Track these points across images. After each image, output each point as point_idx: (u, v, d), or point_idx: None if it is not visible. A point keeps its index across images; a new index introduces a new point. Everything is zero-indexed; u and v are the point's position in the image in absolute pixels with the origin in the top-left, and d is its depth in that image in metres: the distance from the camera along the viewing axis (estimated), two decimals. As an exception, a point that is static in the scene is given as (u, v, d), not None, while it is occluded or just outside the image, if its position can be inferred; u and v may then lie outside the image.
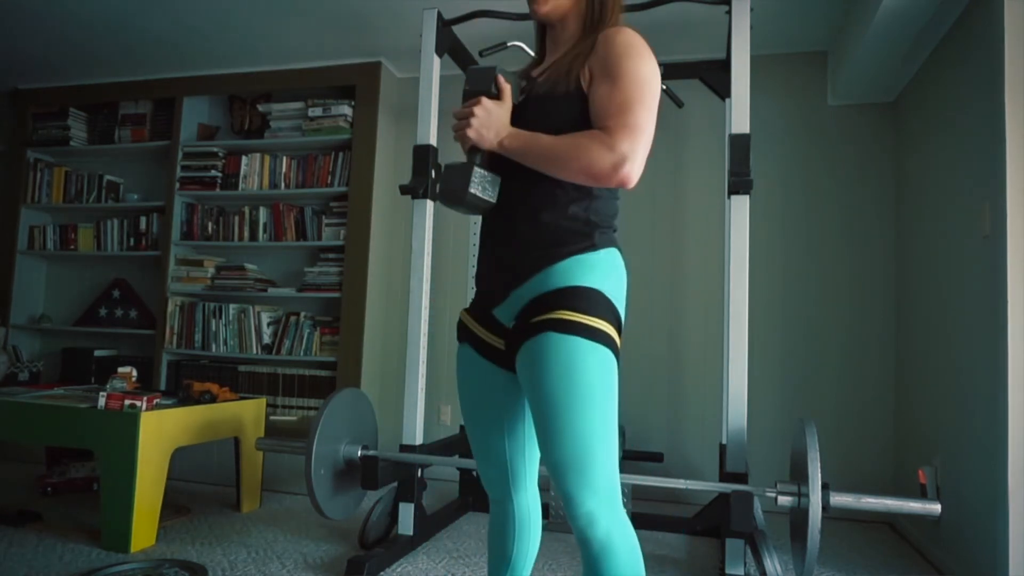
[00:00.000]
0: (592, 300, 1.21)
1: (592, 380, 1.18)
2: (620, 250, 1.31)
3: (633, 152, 1.15)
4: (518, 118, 1.28)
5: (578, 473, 1.17)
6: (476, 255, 3.18)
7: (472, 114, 1.23)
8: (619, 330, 1.26)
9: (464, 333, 1.38)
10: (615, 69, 1.19)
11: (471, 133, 1.23)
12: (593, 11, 1.31)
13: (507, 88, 1.26)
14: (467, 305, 3.13)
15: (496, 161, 1.28)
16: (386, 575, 2.23)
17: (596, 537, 1.17)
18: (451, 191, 1.23)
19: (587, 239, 1.25)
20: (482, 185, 1.24)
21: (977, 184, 2.22)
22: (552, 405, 1.17)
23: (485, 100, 1.24)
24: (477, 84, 1.26)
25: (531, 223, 1.25)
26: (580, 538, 1.19)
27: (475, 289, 1.38)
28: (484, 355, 1.34)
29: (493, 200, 1.26)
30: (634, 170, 1.17)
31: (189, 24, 3.30)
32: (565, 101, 1.25)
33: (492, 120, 1.23)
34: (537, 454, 1.40)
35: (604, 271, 1.25)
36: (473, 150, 1.25)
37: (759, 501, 2.56)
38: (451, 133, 3.52)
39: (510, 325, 1.28)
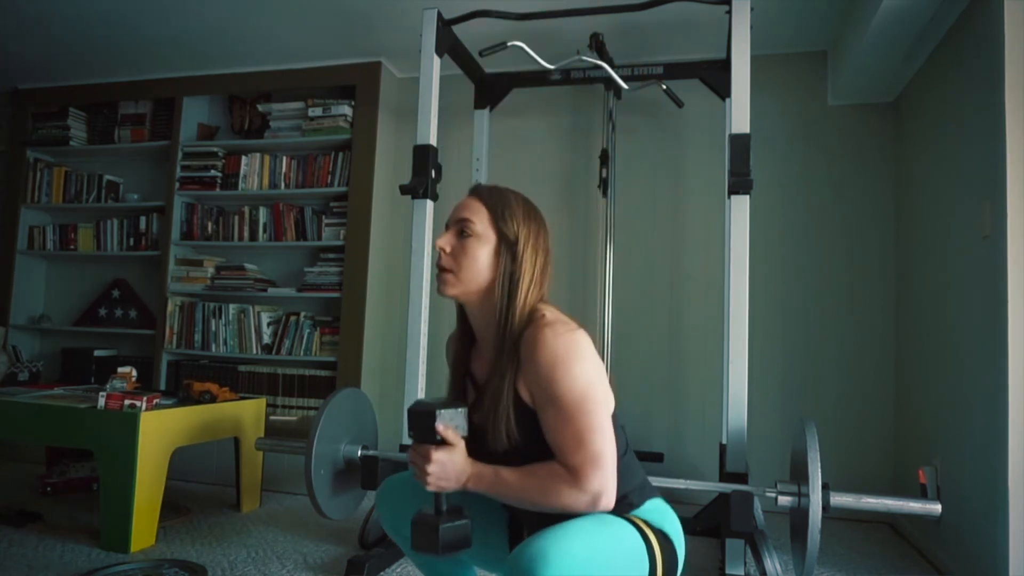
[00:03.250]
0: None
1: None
2: (663, 499, 1.32)
3: (604, 485, 1.15)
4: (478, 440, 1.26)
5: None
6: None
7: (425, 472, 1.20)
8: (668, 571, 1.23)
9: None
10: (552, 396, 1.17)
11: (431, 488, 1.21)
12: (503, 298, 1.26)
13: (451, 433, 1.21)
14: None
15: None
16: (386, 575, 2.23)
17: None
18: (424, 548, 1.21)
19: (627, 507, 1.26)
20: (452, 539, 1.20)
21: (977, 184, 2.22)
22: None
23: (434, 454, 1.20)
24: (421, 435, 1.22)
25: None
26: None
27: None
28: None
29: (469, 546, 1.22)
30: (610, 499, 1.17)
31: (189, 24, 3.30)
32: (518, 425, 1.23)
33: (447, 471, 1.20)
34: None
35: (659, 518, 1.27)
36: (437, 497, 1.23)
37: (759, 501, 2.56)
38: (452, 133, 3.54)
39: None
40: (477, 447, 1.26)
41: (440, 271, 1.30)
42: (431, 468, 1.19)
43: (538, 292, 1.29)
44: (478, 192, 1.34)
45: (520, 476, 1.19)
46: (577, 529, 1.13)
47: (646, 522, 1.25)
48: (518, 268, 1.26)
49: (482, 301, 1.30)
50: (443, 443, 1.21)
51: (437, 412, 1.21)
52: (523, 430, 1.23)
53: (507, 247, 1.27)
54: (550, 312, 1.26)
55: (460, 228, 1.30)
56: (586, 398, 1.16)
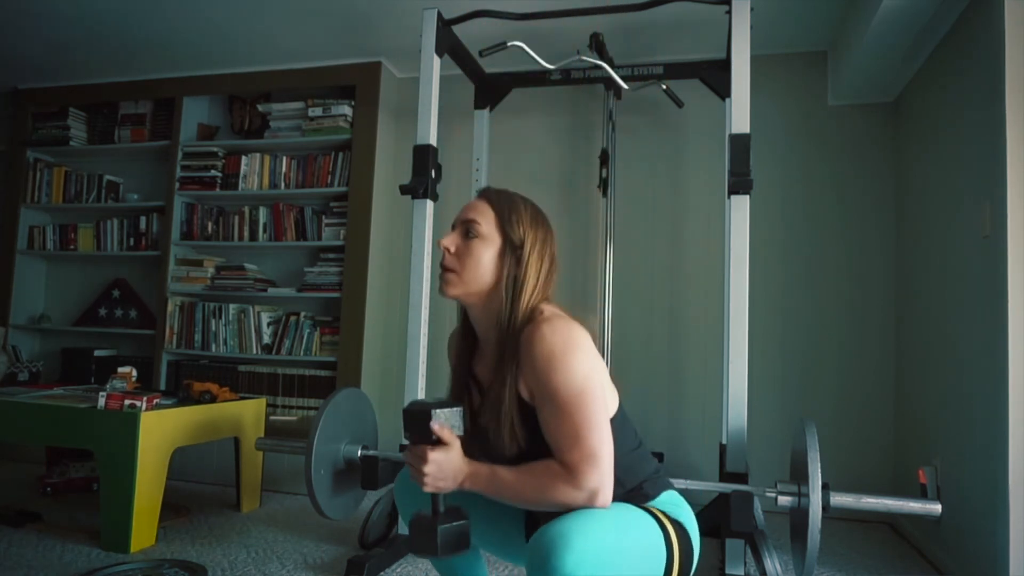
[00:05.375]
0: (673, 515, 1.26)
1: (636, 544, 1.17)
2: (676, 490, 1.35)
3: (601, 482, 1.14)
4: (477, 436, 1.27)
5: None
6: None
7: (422, 472, 1.19)
8: (684, 560, 1.23)
9: None
10: (547, 392, 1.17)
11: (428, 488, 1.20)
12: (506, 301, 1.26)
13: (447, 432, 1.21)
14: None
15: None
16: (386, 575, 2.23)
17: None
18: (423, 551, 1.21)
19: (641, 499, 1.27)
20: (448, 542, 1.19)
21: (977, 184, 2.22)
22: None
23: (431, 454, 1.19)
24: (417, 435, 1.21)
25: None
26: None
27: None
28: None
29: (468, 548, 1.22)
30: (608, 496, 1.16)
31: (189, 24, 3.30)
32: (523, 427, 1.23)
33: (444, 471, 1.19)
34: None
35: (674, 510, 1.28)
36: (435, 498, 1.22)
37: (759, 501, 2.56)
38: (452, 133, 3.54)
39: None
40: (482, 449, 1.26)
41: (443, 271, 1.29)
42: (428, 468, 1.18)
43: (541, 297, 1.28)
44: (486, 194, 1.33)
45: (517, 475, 1.18)
46: (598, 516, 1.12)
47: (663, 512, 1.25)
48: (522, 272, 1.25)
49: (485, 303, 1.28)
50: (439, 443, 1.20)
51: (433, 412, 1.20)
52: (528, 431, 1.22)
53: (512, 250, 1.26)
54: (548, 308, 1.26)
55: (466, 229, 1.28)
56: (582, 394, 1.15)
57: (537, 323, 1.20)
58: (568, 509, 1.15)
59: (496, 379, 1.25)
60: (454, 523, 1.19)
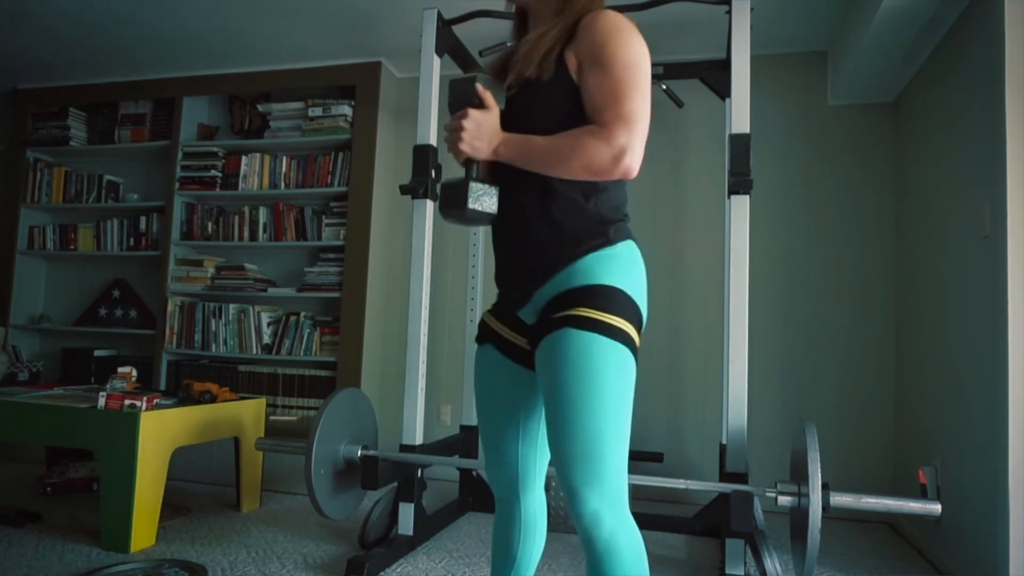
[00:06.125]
0: (612, 298, 1.21)
1: (608, 377, 1.18)
2: (635, 241, 1.31)
3: (631, 143, 1.16)
4: (509, 116, 1.28)
5: (586, 468, 1.16)
6: (476, 255, 3.18)
7: (461, 128, 1.22)
8: (639, 328, 1.26)
9: (486, 334, 1.38)
10: (601, 56, 1.18)
11: (464, 147, 1.22)
12: None
13: (489, 95, 1.26)
14: (469, 305, 3.14)
15: (498, 164, 1.27)
16: (386, 575, 2.23)
17: (600, 537, 1.16)
18: (451, 207, 1.25)
19: (602, 235, 1.25)
20: (480, 199, 1.24)
21: (977, 184, 2.23)
22: (566, 398, 1.17)
23: (472, 111, 1.23)
24: (460, 97, 1.26)
25: (543, 224, 1.25)
26: (584, 538, 1.18)
27: (497, 291, 1.38)
28: (507, 354, 1.34)
29: (494, 211, 1.26)
30: (635, 161, 1.17)
31: (189, 24, 3.30)
32: (551, 90, 1.23)
33: (482, 131, 1.23)
34: (547, 457, 1.39)
35: (622, 267, 1.25)
36: (468, 163, 1.25)
37: (759, 501, 2.57)
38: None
39: (532, 323, 1.29)
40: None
41: None
42: (467, 124, 1.21)
43: (597, 2, 1.32)
44: None
45: (550, 138, 1.20)
46: (593, 436, 1.15)
47: (625, 318, 1.22)
48: None
49: (549, 3, 1.32)
50: (480, 106, 1.24)
51: (477, 76, 1.26)
52: (560, 102, 1.23)
53: None
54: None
55: None
56: (633, 65, 1.18)
57: (601, 10, 1.25)
58: (593, 169, 1.16)
59: (538, 33, 1.27)
60: (485, 185, 1.24)
